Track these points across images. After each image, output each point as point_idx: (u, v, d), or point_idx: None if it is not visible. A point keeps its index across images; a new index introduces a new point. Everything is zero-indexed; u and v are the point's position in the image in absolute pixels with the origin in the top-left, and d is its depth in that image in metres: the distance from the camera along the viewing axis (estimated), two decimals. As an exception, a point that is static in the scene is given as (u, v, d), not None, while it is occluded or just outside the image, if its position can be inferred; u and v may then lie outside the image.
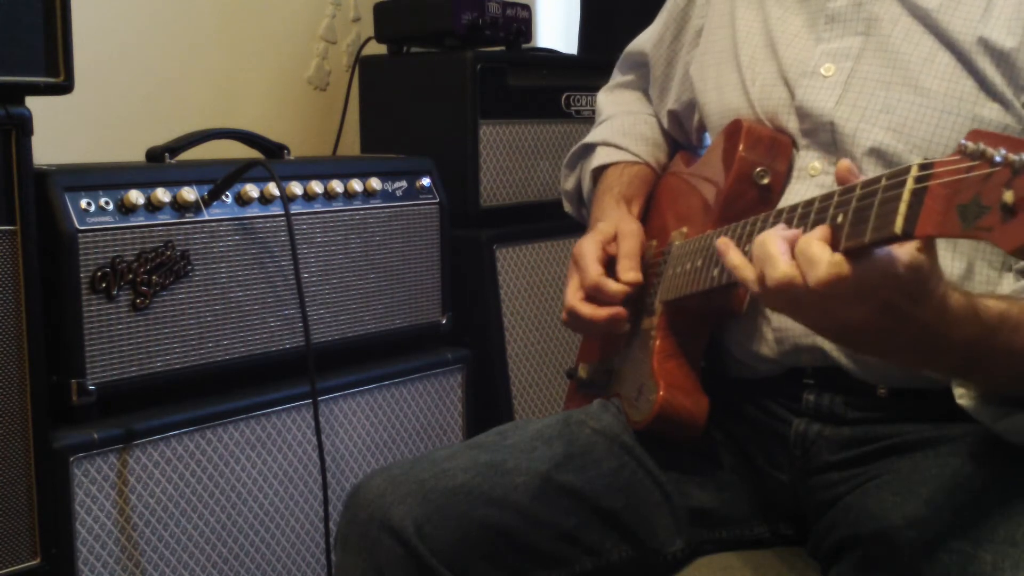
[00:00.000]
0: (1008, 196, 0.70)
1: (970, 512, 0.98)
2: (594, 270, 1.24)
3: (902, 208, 0.77)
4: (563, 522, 1.15)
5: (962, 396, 0.98)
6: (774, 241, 0.88)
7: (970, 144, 0.73)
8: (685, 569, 1.20)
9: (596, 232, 1.29)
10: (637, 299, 1.26)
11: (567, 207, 1.57)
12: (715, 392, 1.19)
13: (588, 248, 1.27)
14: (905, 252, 0.83)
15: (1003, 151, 0.71)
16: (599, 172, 1.45)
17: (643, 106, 1.51)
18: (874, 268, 0.83)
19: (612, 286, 1.23)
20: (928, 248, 0.83)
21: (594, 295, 1.24)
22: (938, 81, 1.08)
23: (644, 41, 1.49)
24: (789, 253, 0.87)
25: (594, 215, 1.37)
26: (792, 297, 0.87)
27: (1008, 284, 1.06)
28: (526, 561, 1.14)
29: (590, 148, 1.48)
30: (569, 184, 1.53)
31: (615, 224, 1.30)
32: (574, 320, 1.26)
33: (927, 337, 0.88)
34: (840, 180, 0.89)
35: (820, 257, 0.84)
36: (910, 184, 0.77)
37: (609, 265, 1.26)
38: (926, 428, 1.09)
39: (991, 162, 0.72)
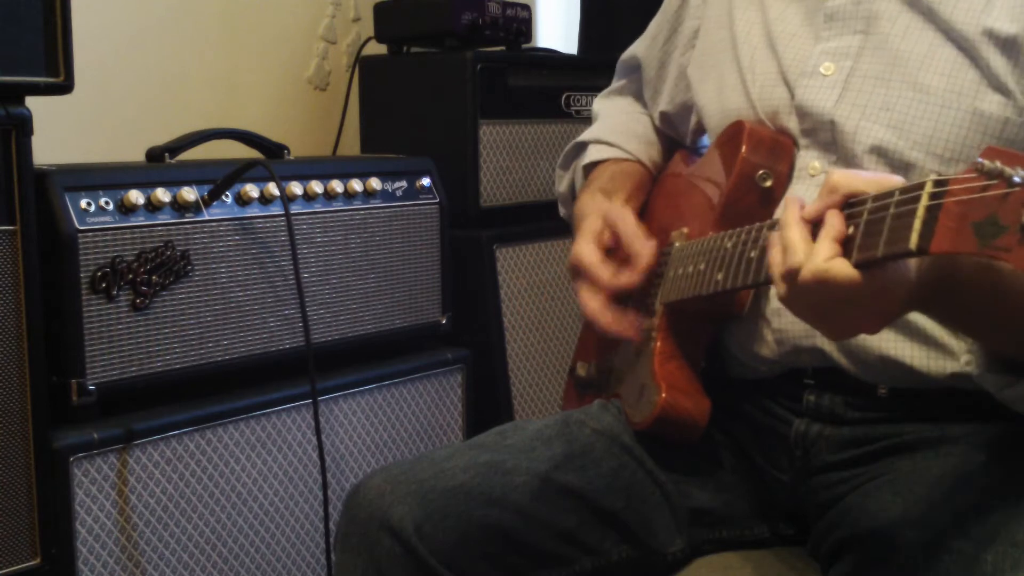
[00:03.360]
0: None
1: (971, 512, 0.98)
2: (605, 273, 1.23)
3: (917, 224, 0.76)
4: (563, 522, 1.15)
5: (969, 363, 0.98)
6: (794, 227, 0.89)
7: (986, 163, 0.72)
8: (685, 569, 1.20)
9: (586, 233, 1.26)
10: (639, 297, 1.26)
11: (561, 211, 1.53)
12: (715, 392, 1.19)
13: (585, 252, 1.25)
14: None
15: (1022, 172, 0.70)
16: (591, 169, 1.43)
17: (635, 107, 1.50)
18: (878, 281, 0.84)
19: (628, 281, 1.22)
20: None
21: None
22: (937, 77, 1.07)
23: (636, 46, 1.49)
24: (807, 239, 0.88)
25: (575, 211, 1.36)
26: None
27: None
28: (526, 561, 1.14)
29: (582, 146, 1.47)
30: (563, 186, 1.50)
31: (599, 215, 1.28)
32: (595, 326, 1.25)
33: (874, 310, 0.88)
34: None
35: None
36: (924, 200, 0.76)
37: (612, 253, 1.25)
38: (926, 428, 1.08)
39: (1009, 182, 0.70)
